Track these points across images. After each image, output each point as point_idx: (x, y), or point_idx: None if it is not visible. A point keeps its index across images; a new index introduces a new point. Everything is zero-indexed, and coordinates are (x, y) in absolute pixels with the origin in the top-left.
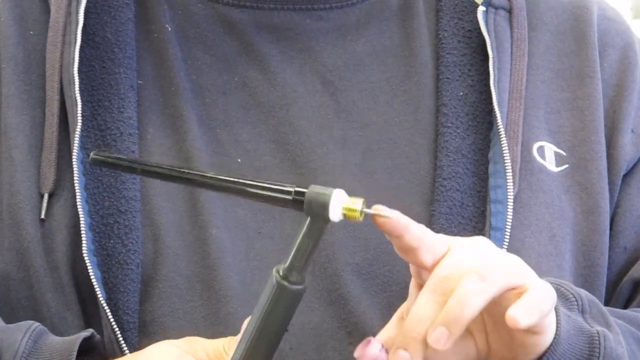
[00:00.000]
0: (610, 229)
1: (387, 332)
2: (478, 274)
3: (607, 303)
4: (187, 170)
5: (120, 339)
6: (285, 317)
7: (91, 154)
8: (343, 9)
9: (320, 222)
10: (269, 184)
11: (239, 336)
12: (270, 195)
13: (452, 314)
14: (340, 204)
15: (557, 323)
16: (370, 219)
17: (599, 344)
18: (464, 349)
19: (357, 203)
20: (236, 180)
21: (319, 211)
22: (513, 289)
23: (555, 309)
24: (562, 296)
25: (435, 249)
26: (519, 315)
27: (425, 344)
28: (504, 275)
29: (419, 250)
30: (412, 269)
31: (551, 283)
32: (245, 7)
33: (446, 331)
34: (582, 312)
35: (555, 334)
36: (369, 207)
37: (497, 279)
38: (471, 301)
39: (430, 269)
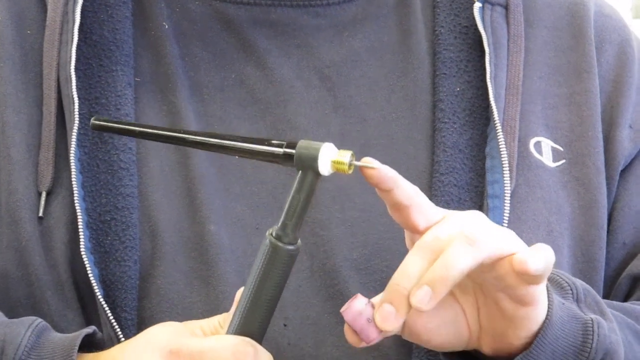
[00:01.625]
0: (609, 225)
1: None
2: (468, 238)
3: (605, 298)
4: (181, 131)
5: (120, 335)
6: (280, 280)
7: (91, 119)
8: (340, 5)
9: (311, 176)
10: (260, 140)
11: (233, 308)
12: (261, 150)
13: (438, 273)
14: (330, 156)
15: (550, 307)
16: (368, 214)
17: (593, 331)
18: (455, 325)
19: (345, 155)
20: (228, 138)
21: (308, 164)
22: (503, 257)
23: (549, 295)
24: (557, 285)
25: (429, 213)
26: (528, 258)
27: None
28: (495, 242)
29: (410, 210)
30: (407, 239)
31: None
32: (242, 3)
33: (430, 291)
34: (577, 300)
35: (547, 316)
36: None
37: (487, 245)
38: (458, 263)
39: (422, 233)
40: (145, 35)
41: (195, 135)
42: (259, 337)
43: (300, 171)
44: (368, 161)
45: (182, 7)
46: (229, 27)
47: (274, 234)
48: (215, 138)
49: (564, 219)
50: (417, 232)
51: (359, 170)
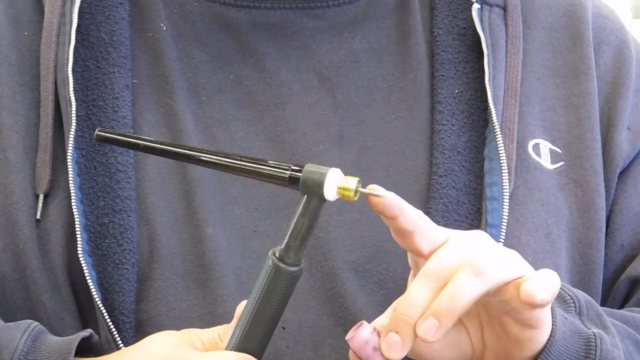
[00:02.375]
0: (607, 227)
1: (382, 320)
2: (473, 267)
3: (603, 301)
4: (186, 148)
5: (117, 338)
6: (282, 300)
7: (96, 130)
8: (340, 7)
9: (316, 201)
10: (266, 162)
11: (234, 322)
12: (267, 173)
13: (443, 305)
14: (336, 182)
15: (553, 324)
16: (366, 216)
17: (595, 346)
18: (459, 345)
19: (351, 182)
20: (235, 158)
21: (314, 189)
22: (509, 282)
23: (552, 309)
24: (560, 298)
25: (433, 237)
26: (534, 289)
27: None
28: (500, 269)
29: (415, 235)
30: (410, 259)
31: None
32: (242, 6)
33: (436, 322)
34: (579, 314)
35: (551, 334)
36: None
37: (493, 273)
38: (464, 294)
39: (426, 257)
40: (142, 37)
41: (200, 152)
42: (258, 353)
43: (305, 195)
44: (374, 188)
45: (181, 9)
46: (228, 29)
47: (277, 255)
48: (220, 157)
49: (562, 221)
50: (422, 256)
51: (366, 197)
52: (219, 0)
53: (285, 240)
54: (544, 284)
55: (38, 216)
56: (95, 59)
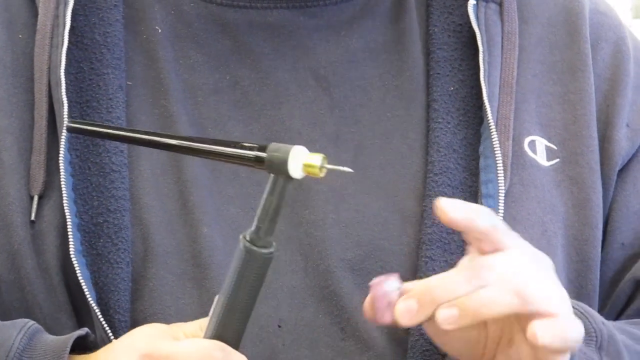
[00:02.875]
0: (607, 225)
1: (412, 284)
2: (516, 287)
3: (604, 299)
4: (154, 134)
5: (112, 337)
6: (256, 285)
7: (66, 122)
8: (337, 6)
9: (282, 179)
10: (232, 143)
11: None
12: (233, 154)
13: (471, 305)
14: (300, 159)
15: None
16: (362, 214)
17: None
18: (472, 343)
19: (316, 158)
20: (200, 141)
21: (279, 168)
22: (542, 315)
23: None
24: (584, 330)
25: (500, 243)
26: (541, 332)
27: (434, 308)
28: (540, 301)
29: (481, 242)
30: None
31: (577, 311)
32: (239, 6)
33: (457, 315)
34: (599, 348)
35: None
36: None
37: (531, 301)
38: (494, 307)
39: (484, 252)
40: (137, 39)
41: (167, 138)
42: (234, 340)
43: (272, 174)
44: (338, 167)
45: (178, 10)
46: (225, 29)
47: (248, 238)
48: (188, 141)
49: (558, 218)
50: (481, 251)
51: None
52: (216, 1)
53: (255, 222)
54: (554, 331)
55: (33, 217)
56: (89, 61)
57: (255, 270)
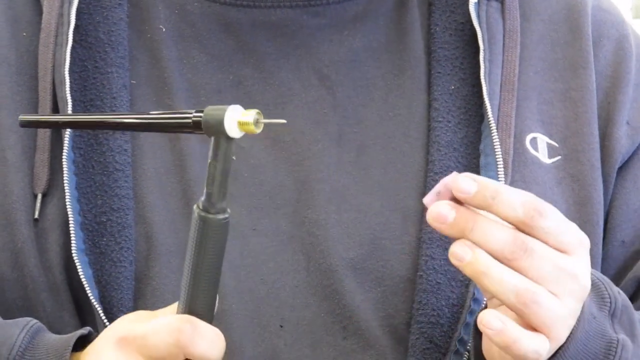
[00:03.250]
0: (607, 223)
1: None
2: (527, 295)
3: None
4: (97, 115)
5: None
6: (216, 252)
7: (19, 117)
8: (341, 4)
9: (223, 140)
10: (170, 112)
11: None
12: (171, 123)
13: (478, 268)
14: (235, 118)
15: (578, 322)
16: (364, 213)
17: (615, 352)
18: None
19: (250, 115)
20: (141, 114)
21: (217, 129)
22: (533, 326)
23: (583, 308)
24: (598, 293)
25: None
26: (487, 320)
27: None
28: (542, 315)
29: None
30: None
31: (593, 276)
32: (242, 5)
33: (466, 256)
34: (612, 315)
35: (571, 333)
36: None
37: (531, 311)
38: (495, 286)
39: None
40: (141, 38)
41: (110, 116)
42: (205, 312)
43: (212, 138)
44: (270, 121)
45: (181, 10)
46: (228, 29)
47: (200, 207)
48: (130, 117)
49: None
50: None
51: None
52: (220, 1)
53: (205, 190)
54: (509, 335)
55: (36, 215)
56: (94, 59)
57: (213, 238)
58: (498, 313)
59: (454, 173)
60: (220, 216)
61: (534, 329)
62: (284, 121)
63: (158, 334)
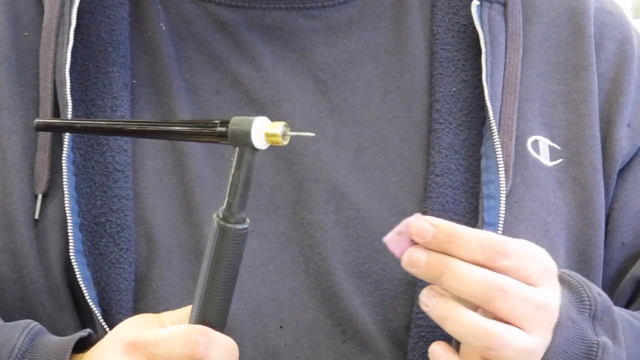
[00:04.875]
0: (607, 225)
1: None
2: (494, 339)
3: None
4: (119, 122)
5: None
6: (233, 262)
7: (35, 120)
8: (335, 7)
9: (248, 151)
10: (195, 121)
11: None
12: (197, 132)
13: (439, 312)
14: (262, 130)
15: (557, 328)
16: (363, 214)
17: (596, 355)
18: None
19: (277, 127)
20: (165, 123)
21: (243, 140)
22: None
23: (560, 312)
24: (578, 297)
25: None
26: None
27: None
28: (510, 355)
29: None
30: None
31: (572, 280)
32: (237, 7)
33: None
34: (593, 317)
35: (551, 342)
36: None
37: (500, 354)
38: (458, 329)
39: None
40: (142, 36)
41: (132, 123)
42: (219, 322)
43: (237, 148)
44: (298, 132)
45: (178, 9)
46: (224, 29)
47: (220, 216)
48: (152, 125)
49: (561, 218)
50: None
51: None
52: (215, 1)
53: (226, 199)
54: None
55: (36, 216)
56: (95, 59)
57: (231, 248)
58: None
59: (417, 215)
60: (240, 226)
61: None
62: (312, 134)
63: (172, 343)
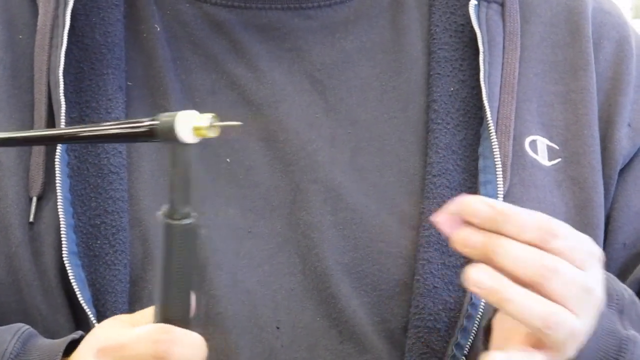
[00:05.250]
0: (608, 225)
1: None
2: (552, 319)
3: None
4: (51, 130)
5: None
6: (186, 257)
7: None
8: (332, 7)
9: (179, 147)
10: (125, 122)
11: None
12: (127, 133)
13: (501, 296)
14: (189, 123)
15: (600, 315)
16: (360, 215)
17: (627, 349)
18: None
19: (204, 119)
20: (94, 127)
21: (171, 136)
22: (541, 338)
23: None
24: (606, 291)
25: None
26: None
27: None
28: (561, 336)
29: None
30: None
31: None
32: (233, 6)
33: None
34: (620, 312)
35: (595, 328)
36: None
37: (553, 333)
38: (521, 312)
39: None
40: (137, 38)
41: (65, 130)
42: (181, 318)
43: (170, 145)
44: (227, 123)
45: (173, 10)
46: (220, 29)
47: (164, 213)
48: (84, 130)
49: (559, 218)
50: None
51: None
52: (210, 1)
53: (168, 197)
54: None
55: (31, 219)
56: (90, 61)
57: (180, 243)
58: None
59: (466, 195)
60: (185, 221)
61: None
62: (239, 123)
63: (136, 345)
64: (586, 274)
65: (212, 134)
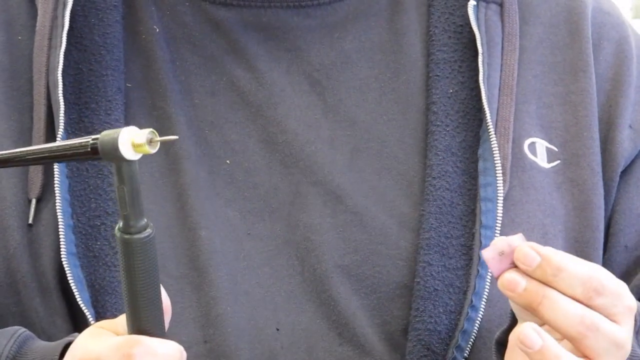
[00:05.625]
0: (610, 228)
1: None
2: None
3: None
4: None
5: None
6: (146, 268)
7: None
8: (331, 5)
9: (124, 164)
10: (68, 142)
11: None
12: (71, 153)
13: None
14: (129, 141)
15: None
16: (360, 217)
17: None
18: None
19: (142, 136)
20: (39, 148)
21: (114, 154)
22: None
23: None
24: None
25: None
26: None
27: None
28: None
29: None
30: None
31: None
32: (232, 5)
33: (537, 344)
34: (637, 332)
35: None
36: None
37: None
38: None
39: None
40: (136, 39)
41: (9, 153)
42: (153, 327)
43: (113, 163)
44: (167, 138)
45: (172, 10)
46: (218, 29)
47: (120, 229)
48: (30, 153)
49: (559, 220)
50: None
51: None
52: (209, 0)
53: (120, 213)
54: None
55: (30, 221)
56: (89, 62)
57: (140, 256)
58: (537, 327)
59: (520, 235)
60: (142, 234)
61: None
62: (175, 137)
63: (109, 358)
64: (621, 329)
65: (152, 149)
